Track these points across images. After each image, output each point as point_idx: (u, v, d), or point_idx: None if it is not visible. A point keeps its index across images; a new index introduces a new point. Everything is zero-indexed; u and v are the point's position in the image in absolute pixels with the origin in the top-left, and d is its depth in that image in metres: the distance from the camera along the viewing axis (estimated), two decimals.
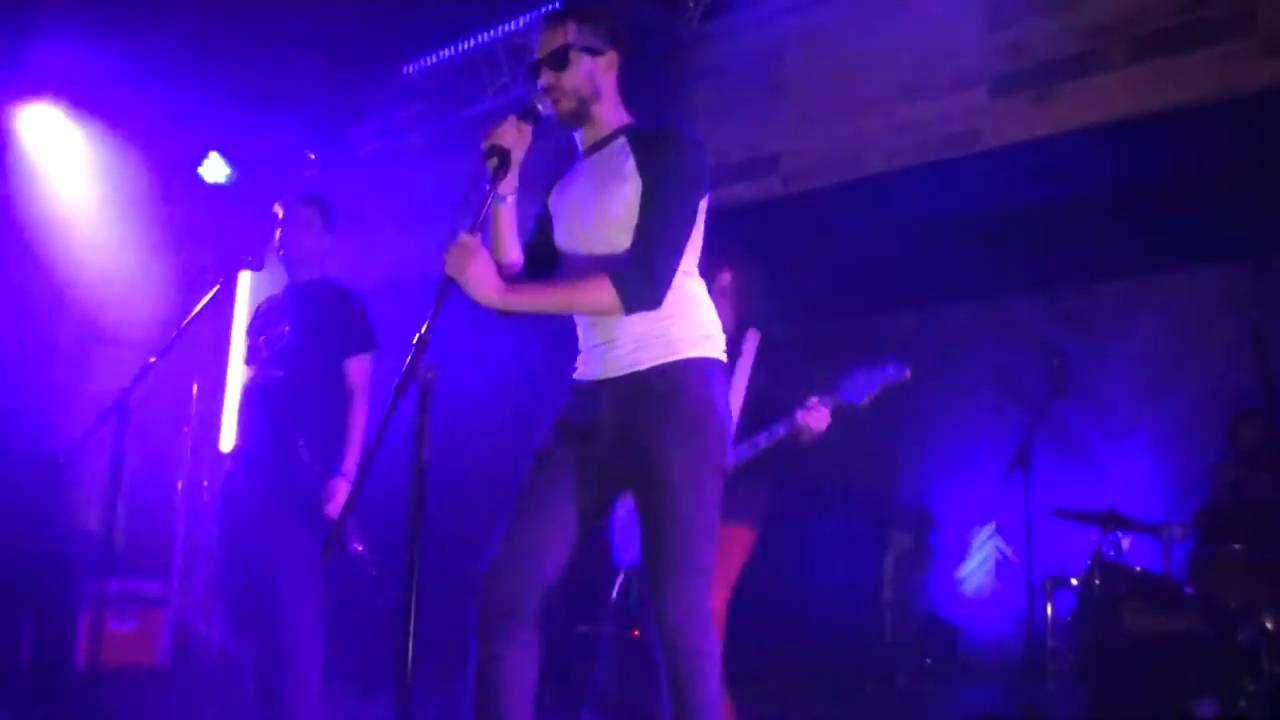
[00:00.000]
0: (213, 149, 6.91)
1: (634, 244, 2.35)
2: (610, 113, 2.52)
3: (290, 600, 3.47)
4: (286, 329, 3.73)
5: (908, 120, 4.96)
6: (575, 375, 2.51)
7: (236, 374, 7.03)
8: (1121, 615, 4.24)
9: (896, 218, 5.37)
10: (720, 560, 3.50)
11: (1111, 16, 4.43)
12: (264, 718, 3.56)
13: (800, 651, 5.63)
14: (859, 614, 5.96)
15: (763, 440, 3.56)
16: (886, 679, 5.67)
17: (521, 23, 5.95)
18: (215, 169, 6.95)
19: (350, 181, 6.88)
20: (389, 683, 2.09)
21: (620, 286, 2.30)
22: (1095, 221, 5.31)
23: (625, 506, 3.48)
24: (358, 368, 3.73)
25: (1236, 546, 4.31)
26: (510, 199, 2.46)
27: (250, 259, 3.83)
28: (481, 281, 2.28)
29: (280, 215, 3.86)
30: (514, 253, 2.52)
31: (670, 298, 2.35)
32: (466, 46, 6.22)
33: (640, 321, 2.36)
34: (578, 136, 2.56)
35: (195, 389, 7.24)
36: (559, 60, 2.45)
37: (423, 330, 2.11)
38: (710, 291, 2.55)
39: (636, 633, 4.97)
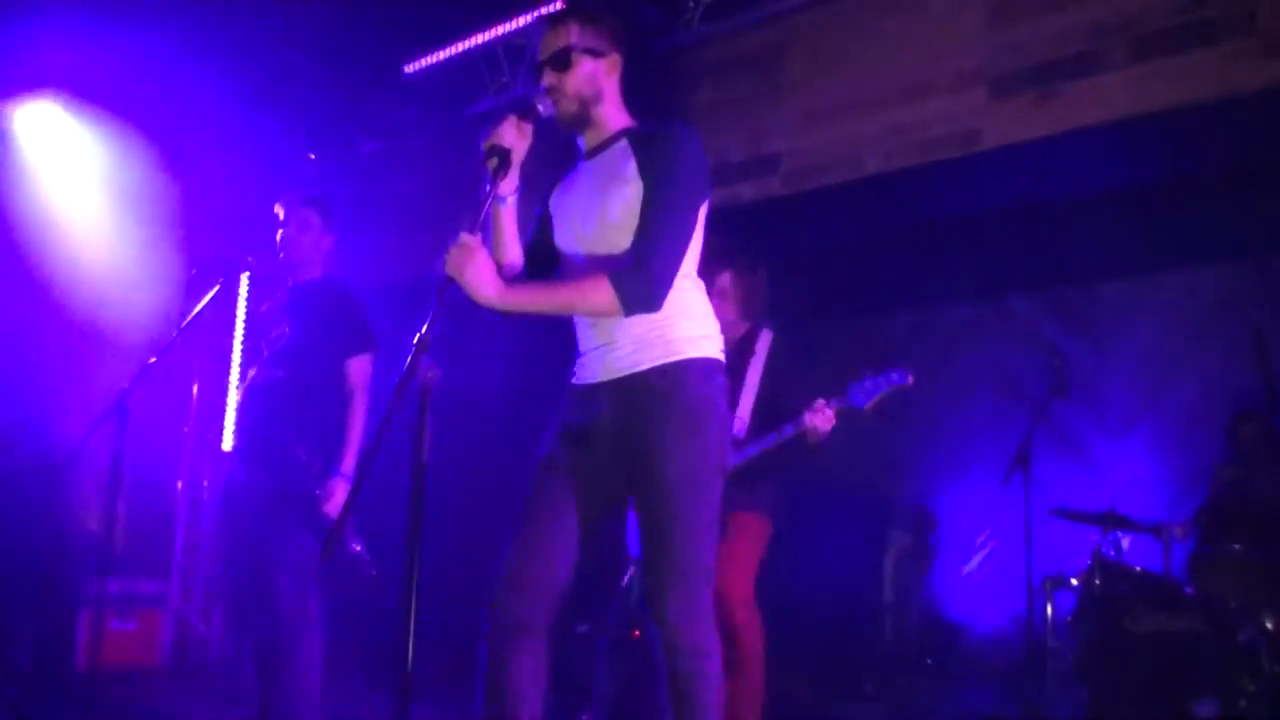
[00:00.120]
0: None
1: (634, 246, 2.35)
2: (612, 115, 2.52)
3: (290, 600, 3.47)
4: (287, 329, 3.74)
5: (908, 120, 4.96)
6: (574, 379, 2.51)
7: (236, 374, 7.02)
8: (1121, 615, 4.24)
9: (896, 218, 5.37)
10: (739, 547, 3.62)
11: (1111, 16, 4.43)
12: (264, 718, 3.56)
13: (800, 651, 5.62)
14: (859, 614, 5.96)
15: (770, 440, 3.65)
16: (886, 679, 5.67)
17: (521, 23, 5.95)
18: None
19: (350, 181, 6.88)
20: (389, 683, 2.09)
21: (620, 288, 2.30)
22: (1095, 221, 5.31)
23: None
24: (358, 368, 3.74)
25: (1236, 546, 4.31)
26: (511, 199, 2.46)
27: (251, 259, 3.84)
28: (481, 282, 2.29)
29: (281, 216, 3.86)
30: (514, 253, 2.52)
31: (670, 298, 2.36)
32: (466, 46, 6.22)
33: (640, 323, 2.36)
34: (579, 138, 2.56)
35: (195, 389, 7.23)
36: (561, 61, 2.45)
37: (423, 330, 2.11)
38: (710, 293, 2.55)
39: (637, 633, 4.98)
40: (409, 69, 6.44)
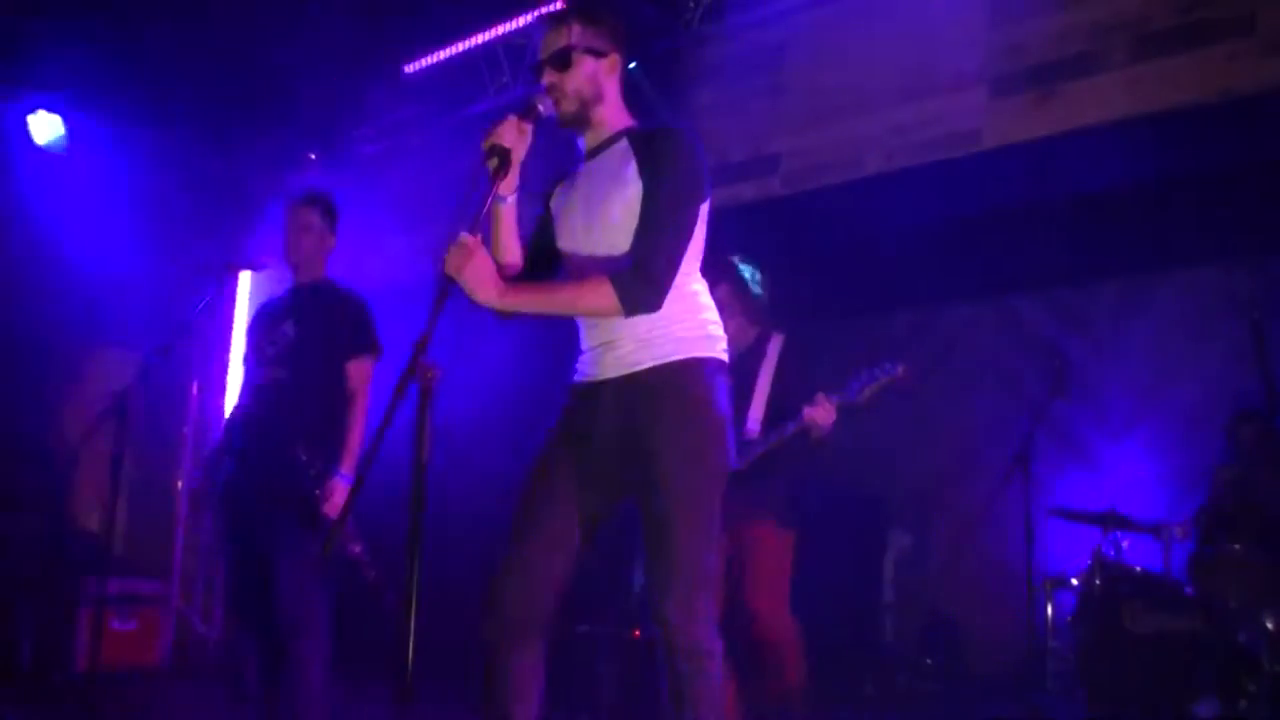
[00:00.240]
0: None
1: (634, 246, 2.35)
2: (612, 115, 2.52)
3: (292, 600, 3.47)
4: (289, 330, 3.74)
5: (908, 120, 4.96)
6: (575, 378, 2.51)
7: (237, 374, 7.02)
8: (1121, 615, 4.24)
9: (896, 218, 5.36)
10: (760, 560, 3.73)
11: (1111, 16, 4.43)
12: (266, 718, 3.56)
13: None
14: (859, 614, 5.95)
15: (774, 438, 3.70)
16: (886, 679, 5.66)
17: (521, 23, 5.95)
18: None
19: (350, 181, 6.87)
20: (389, 682, 2.09)
21: (620, 288, 2.30)
22: (1095, 221, 5.30)
23: None
24: (359, 370, 3.74)
25: (1236, 546, 4.30)
26: (511, 199, 2.46)
27: (251, 259, 3.84)
28: (481, 282, 2.28)
29: (284, 216, 3.87)
30: (514, 253, 2.52)
31: (671, 298, 2.35)
32: (466, 46, 6.22)
33: (642, 322, 2.36)
34: (580, 139, 2.56)
35: (195, 389, 7.23)
36: (562, 61, 2.45)
37: (423, 330, 2.11)
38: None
39: (637, 633, 4.98)
40: (409, 69, 6.44)
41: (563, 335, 2.64)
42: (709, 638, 2.29)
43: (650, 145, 2.41)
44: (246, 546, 3.61)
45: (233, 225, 7.11)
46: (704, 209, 2.43)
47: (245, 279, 7.26)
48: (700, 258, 2.48)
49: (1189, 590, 4.27)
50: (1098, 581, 4.36)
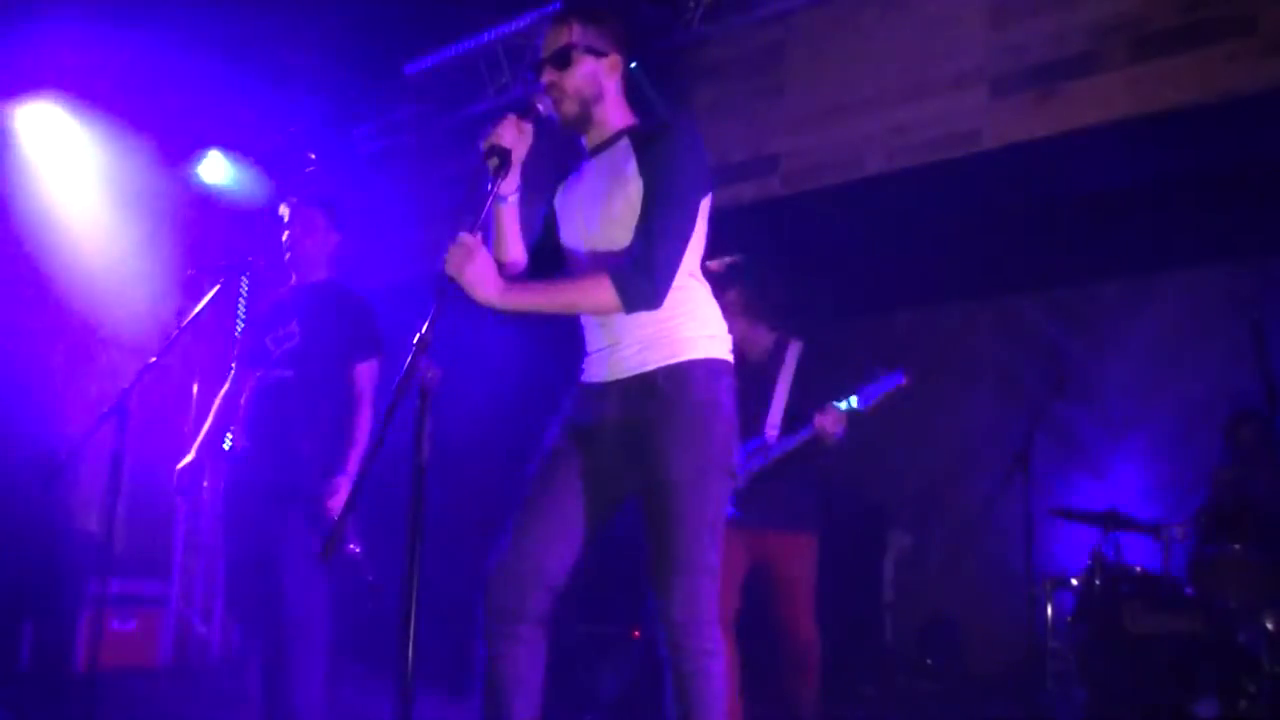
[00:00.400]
0: (214, 147, 6.88)
1: (634, 243, 2.35)
2: (614, 114, 2.52)
3: (295, 600, 3.48)
4: (295, 330, 3.74)
5: (908, 120, 4.95)
6: (582, 378, 2.51)
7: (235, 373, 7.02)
8: (1121, 615, 4.24)
9: (896, 218, 5.37)
10: (806, 573, 3.83)
11: (1111, 16, 4.43)
12: (267, 718, 3.56)
13: None
14: (859, 614, 5.96)
15: (791, 443, 3.77)
16: (886, 679, 5.67)
17: (521, 23, 5.95)
18: (216, 169, 6.93)
19: (350, 181, 6.87)
20: (390, 682, 2.09)
21: (620, 285, 2.30)
22: (1095, 221, 5.30)
23: None
24: (365, 373, 3.74)
25: (1236, 546, 4.31)
26: (512, 199, 2.46)
27: (252, 259, 3.84)
28: (481, 281, 2.28)
29: (286, 216, 3.86)
30: (516, 252, 2.52)
31: (675, 298, 2.36)
32: (466, 46, 6.22)
33: (646, 322, 2.36)
34: (582, 137, 2.56)
35: (195, 389, 7.23)
36: (562, 59, 2.46)
37: (423, 330, 2.11)
38: (723, 311, 2.55)
39: (637, 633, 4.98)
40: (409, 69, 6.44)
41: (564, 335, 2.64)
42: (712, 637, 2.29)
43: (651, 142, 2.42)
44: (249, 546, 3.61)
45: (233, 225, 7.11)
46: (705, 206, 2.43)
47: (245, 279, 7.26)
48: (702, 254, 2.48)
49: (1189, 590, 4.28)
50: (1098, 581, 4.36)
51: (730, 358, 2.47)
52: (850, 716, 5.31)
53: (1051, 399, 4.60)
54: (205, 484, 7.23)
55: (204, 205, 7.10)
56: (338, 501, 3.51)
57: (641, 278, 2.31)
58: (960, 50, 4.82)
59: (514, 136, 2.35)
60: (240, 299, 7.36)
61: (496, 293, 2.31)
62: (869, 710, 5.41)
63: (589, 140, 2.54)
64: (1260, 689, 3.89)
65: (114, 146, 6.56)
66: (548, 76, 2.47)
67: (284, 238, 3.85)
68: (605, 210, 2.42)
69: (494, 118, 2.40)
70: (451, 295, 2.25)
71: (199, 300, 3.73)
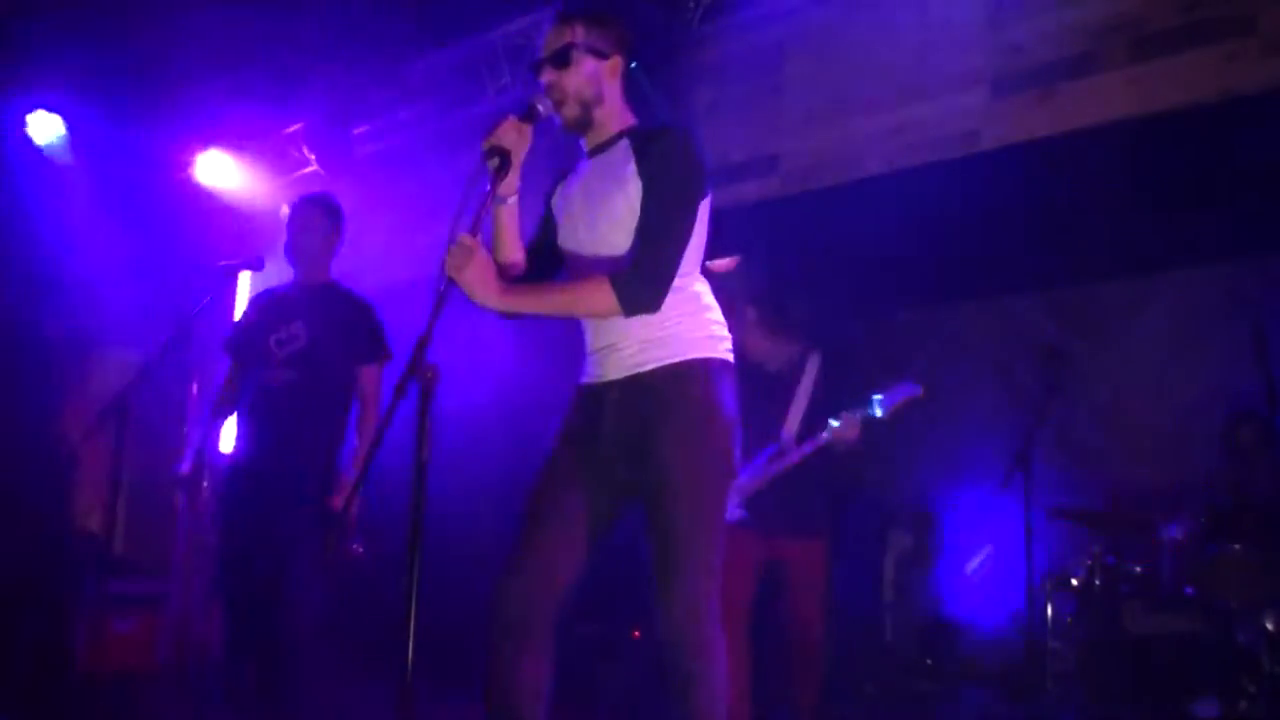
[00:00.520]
0: (214, 147, 6.85)
1: (633, 246, 2.35)
2: (614, 116, 2.52)
3: (294, 601, 3.47)
4: (300, 331, 3.73)
5: (908, 120, 4.95)
6: (582, 379, 2.51)
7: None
8: (1121, 615, 4.24)
9: (896, 218, 5.36)
10: (819, 576, 3.90)
11: (1111, 16, 4.43)
12: (267, 717, 3.56)
13: None
14: (859, 614, 5.95)
15: (807, 450, 3.85)
16: (886, 679, 5.66)
17: (522, 23, 5.95)
18: (215, 168, 6.92)
19: (350, 181, 6.87)
20: (390, 682, 2.09)
21: (619, 288, 2.30)
22: (1095, 221, 5.30)
23: None
24: (370, 376, 3.75)
25: (1236, 546, 4.30)
26: (511, 200, 2.46)
27: (251, 259, 3.84)
28: (481, 283, 2.28)
29: (287, 216, 3.87)
30: (515, 253, 2.52)
31: (674, 298, 2.36)
32: (466, 47, 6.22)
33: (645, 323, 2.36)
34: (581, 139, 2.56)
35: (195, 389, 7.23)
36: (562, 59, 2.45)
37: (423, 331, 2.11)
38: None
39: (637, 633, 4.98)
40: (409, 69, 6.43)
41: (564, 335, 2.64)
42: (714, 636, 2.29)
43: (650, 144, 2.41)
44: (248, 546, 3.61)
45: (232, 225, 7.11)
46: (704, 208, 2.43)
47: (245, 279, 7.25)
48: (701, 257, 2.48)
49: (1189, 590, 4.27)
50: (1098, 582, 4.36)
51: (730, 357, 2.47)
52: (850, 716, 5.31)
53: (1051, 399, 4.60)
54: (205, 484, 7.25)
55: (204, 205, 7.10)
56: (340, 502, 3.51)
57: (641, 282, 2.31)
58: (960, 50, 4.82)
59: (514, 137, 2.35)
60: (239, 299, 7.36)
61: (496, 294, 2.31)
62: (869, 710, 5.41)
63: (588, 141, 2.54)
64: (1260, 689, 3.89)
65: (114, 147, 6.56)
66: (548, 76, 2.47)
67: (285, 238, 3.86)
68: (605, 211, 2.41)
69: (494, 118, 2.40)
70: (451, 296, 2.25)
71: (198, 300, 3.73)
